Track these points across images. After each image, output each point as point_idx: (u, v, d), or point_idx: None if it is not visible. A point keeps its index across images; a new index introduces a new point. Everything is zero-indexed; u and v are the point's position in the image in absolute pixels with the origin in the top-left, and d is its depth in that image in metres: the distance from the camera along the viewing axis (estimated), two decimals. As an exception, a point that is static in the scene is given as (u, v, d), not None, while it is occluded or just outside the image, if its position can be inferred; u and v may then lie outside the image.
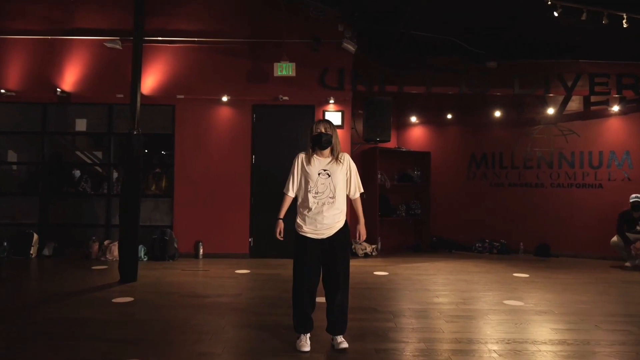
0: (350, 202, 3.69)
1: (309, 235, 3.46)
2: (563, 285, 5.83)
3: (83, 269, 6.51)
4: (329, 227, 3.45)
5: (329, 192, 3.43)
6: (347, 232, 3.57)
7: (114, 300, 4.79)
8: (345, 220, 3.57)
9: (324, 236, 3.45)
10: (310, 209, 3.44)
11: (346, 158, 3.57)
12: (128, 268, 5.64)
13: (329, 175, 3.46)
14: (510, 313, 4.54)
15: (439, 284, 5.89)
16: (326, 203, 3.42)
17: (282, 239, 3.60)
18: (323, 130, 3.46)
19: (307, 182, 3.47)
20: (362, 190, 3.67)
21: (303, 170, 3.52)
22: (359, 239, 3.65)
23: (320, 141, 3.47)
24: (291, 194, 3.59)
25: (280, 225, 3.60)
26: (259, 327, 4.03)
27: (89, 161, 8.42)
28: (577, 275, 6.55)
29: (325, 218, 3.42)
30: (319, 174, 3.45)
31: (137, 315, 4.33)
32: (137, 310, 4.50)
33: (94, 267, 6.63)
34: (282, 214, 3.62)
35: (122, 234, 5.69)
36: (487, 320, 4.29)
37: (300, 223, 3.50)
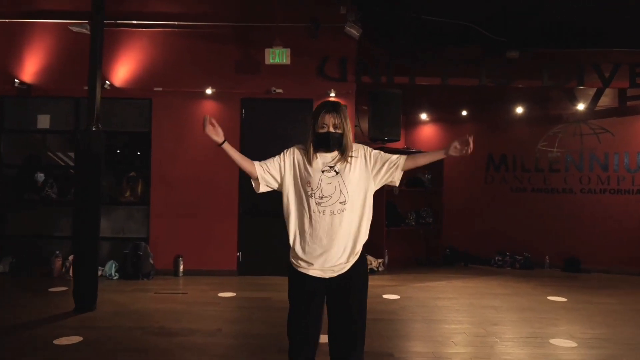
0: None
1: (310, 272, 2.36)
2: (613, 315, 4.82)
3: (38, 292, 5.48)
4: (341, 261, 2.35)
5: (338, 195, 2.37)
6: (364, 266, 2.47)
7: (56, 342, 3.76)
8: (363, 249, 2.44)
9: (333, 274, 2.36)
10: (312, 225, 2.36)
11: (360, 150, 2.48)
12: (84, 294, 4.62)
13: (337, 172, 2.40)
14: (564, 360, 3.53)
15: (463, 312, 4.88)
16: (336, 212, 2.35)
17: (204, 126, 2.42)
18: (331, 129, 2.39)
19: (305, 184, 2.40)
20: (403, 155, 2.52)
21: (298, 170, 2.46)
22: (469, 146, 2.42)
23: (327, 143, 2.40)
24: (257, 168, 2.52)
25: (217, 134, 2.45)
26: (237, 388, 3.01)
27: (62, 163, 7.40)
28: (623, 299, 5.53)
29: (336, 240, 2.34)
30: (322, 171, 2.40)
31: (79, 367, 3.32)
32: (81, 358, 3.48)
33: (51, 289, 5.61)
34: (229, 145, 2.52)
35: (76, 252, 4.67)
36: (539, 374, 3.28)
37: (298, 251, 2.39)
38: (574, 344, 3.88)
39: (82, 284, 4.61)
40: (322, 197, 2.37)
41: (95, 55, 4.78)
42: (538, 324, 4.48)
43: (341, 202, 2.37)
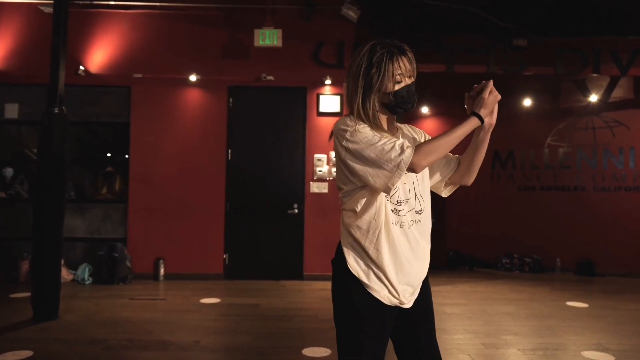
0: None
1: (382, 299, 1.63)
2: (645, 322, 4.30)
3: (-3, 298, 4.89)
4: (418, 283, 1.70)
5: (414, 201, 1.68)
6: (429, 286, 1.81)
7: (0, 357, 3.18)
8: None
9: (408, 303, 1.67)
10: (391, 239, 1.63)
11: (413, 131, 1.83)
12: (45, 301, 4.02)
13: None
14: (604, 378, 2.99)
15: (476, 320, 4.33)
16: (414, 224, 1.67)
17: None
18: (408, 80, 1.64)
19: None
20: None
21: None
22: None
23: (409, 100, 1.65)
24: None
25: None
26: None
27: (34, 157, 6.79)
28: (650, 305, 5.02)
29: (419, 258, 1.68)
30: None
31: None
32: (26, 377, 2.90)
33: (13, 295, 5.00)
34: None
35: (35, 255, 4.07)
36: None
37: (363, 274, 1.64)
38: (612, 357, 3.34)
39: (42, 289, 4.02)
40: (400, 202, 1.65)
41: (58, 29, 4.22)
42: (563, 333, 3.94)
43: (417, 212, 1.68)
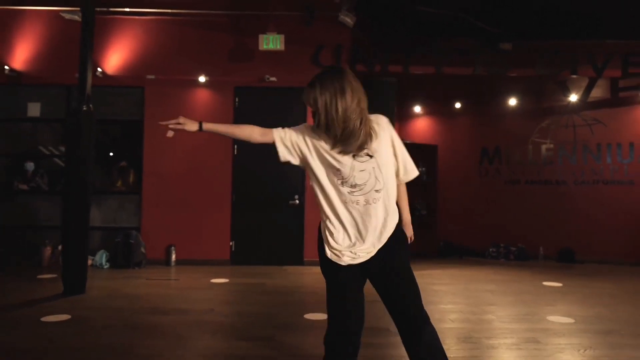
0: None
1: (342, 262, 2.07)
2: (609, 297, 4.80)
3: (26, 279, 5.36)
4: (376, 243, 2.07)
5: (374, 182, 2.03)
6: (401, 236, 2.13)
7: (43, 319, 3.66)
8: (398, 220, 2.13)
9: (368, 257, 2.07)
10: (346, 214, 2.06)
11: (382, 121, 2.13)
12: (74, 277, 4.51)
13: (371, 156, 2.04)
14: (565, 335, 3.48)
15: (459, 295, 4.83)
16: (371, 202, 2.04)
17: (171, 127, 2.19)
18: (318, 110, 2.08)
19: (330, 169, 2.06)
20: (416, 172, 2.24)
21: (315, 149, 2.08)
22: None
23: (322, 127, 2.05)
24: (275, 135, 2.17)
25: (189, 124, 2.21)
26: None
27: (56, 153, 7.27)
28: (618, 284, 5.51)
29: (372, 229, 2.04)
30: (353, 156, 2.02)
31: (66, 339, 3.22)
32: (68, 332, 3.38)
33: (40, 276, 5.49)
34: (210, 124, 2.24)
35: (65, 237, 4.56)
36: (542, 348, 3.22)
37: (328, 237, 2.08)
38: (571, 320, 3.84)
39: (71, 266, 4.51)
40: (355, 187, 2.03)
41: (87, 31, 4.69)
42: (534, 304, 4.44)
43: (377, 191, 2.03)
